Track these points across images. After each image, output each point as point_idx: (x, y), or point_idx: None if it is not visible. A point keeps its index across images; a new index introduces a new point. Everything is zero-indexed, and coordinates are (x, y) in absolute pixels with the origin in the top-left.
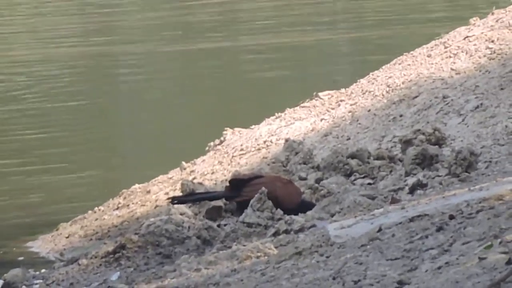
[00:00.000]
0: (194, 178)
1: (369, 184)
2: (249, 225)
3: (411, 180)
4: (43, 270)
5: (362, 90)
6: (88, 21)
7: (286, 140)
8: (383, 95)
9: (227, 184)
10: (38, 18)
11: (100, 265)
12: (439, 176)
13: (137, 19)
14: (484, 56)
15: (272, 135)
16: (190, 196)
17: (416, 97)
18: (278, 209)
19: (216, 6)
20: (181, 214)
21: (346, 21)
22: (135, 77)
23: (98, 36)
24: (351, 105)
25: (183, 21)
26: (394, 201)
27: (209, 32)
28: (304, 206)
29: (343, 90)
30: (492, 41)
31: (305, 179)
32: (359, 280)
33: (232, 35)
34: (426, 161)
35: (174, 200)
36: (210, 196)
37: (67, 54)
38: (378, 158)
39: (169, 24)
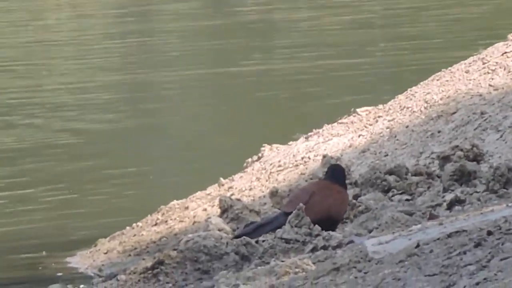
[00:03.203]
0: (232, 195)
1: (407, 200)
2: (287, 241)
3: (449, 196)
4: (81, 286)
5: (400, 106)
6: (126, 46)
7: (324, 156)
8: (421, 111)
9: (283, 211)
10: (75, 45)
11: (139, 281)
12: (477, 192)
13: (173, 45)
14: None
15: (310, 151)
16: (255, 232)
17: (454, 113)
18: (316, 226)
19: (251, 32)
20: (219, 230)
21: (384, 46)
22: (171, 94)
23: (135, 60)
24: (389, 121)
25: (218, 45)
26: (432, 217)
27: (245, 56)
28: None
29: (381, 106)
30: None
31: None
32: None
33: (269, 59)
34: (464, 177)
35: (239, 236)
36: (272, 227)
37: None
38: (416, 174)
39: (205, 49)
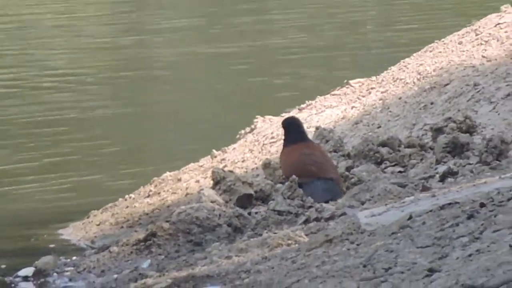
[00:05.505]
0: (224, 166)
1: (400, 172)
2: (280, 213)
3: (441, 168)
4: (74, 258)
5: (393, 78)
6: (120, 22)
7: (317, 128)
8: (414, 82)
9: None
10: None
11: (131, 252)
12: (470, 164)
13: (169, 23)
14: None
15: (303, 122)
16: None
17: (447, 84)
18: (309, 197)
19: (247, 13)
20: (212, 202)
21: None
22: (163, 70)
23: (130, 36)
24: (382, 92)
25: (214, 23)
26: (424, 189)
27: (239, 35)
28: None
29: (374, 78)
30: None
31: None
32: (389, 268)
33: (262, 37)
34: (457, 149)
35: None
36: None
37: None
38: (408, 146)
39: (199, 27)
